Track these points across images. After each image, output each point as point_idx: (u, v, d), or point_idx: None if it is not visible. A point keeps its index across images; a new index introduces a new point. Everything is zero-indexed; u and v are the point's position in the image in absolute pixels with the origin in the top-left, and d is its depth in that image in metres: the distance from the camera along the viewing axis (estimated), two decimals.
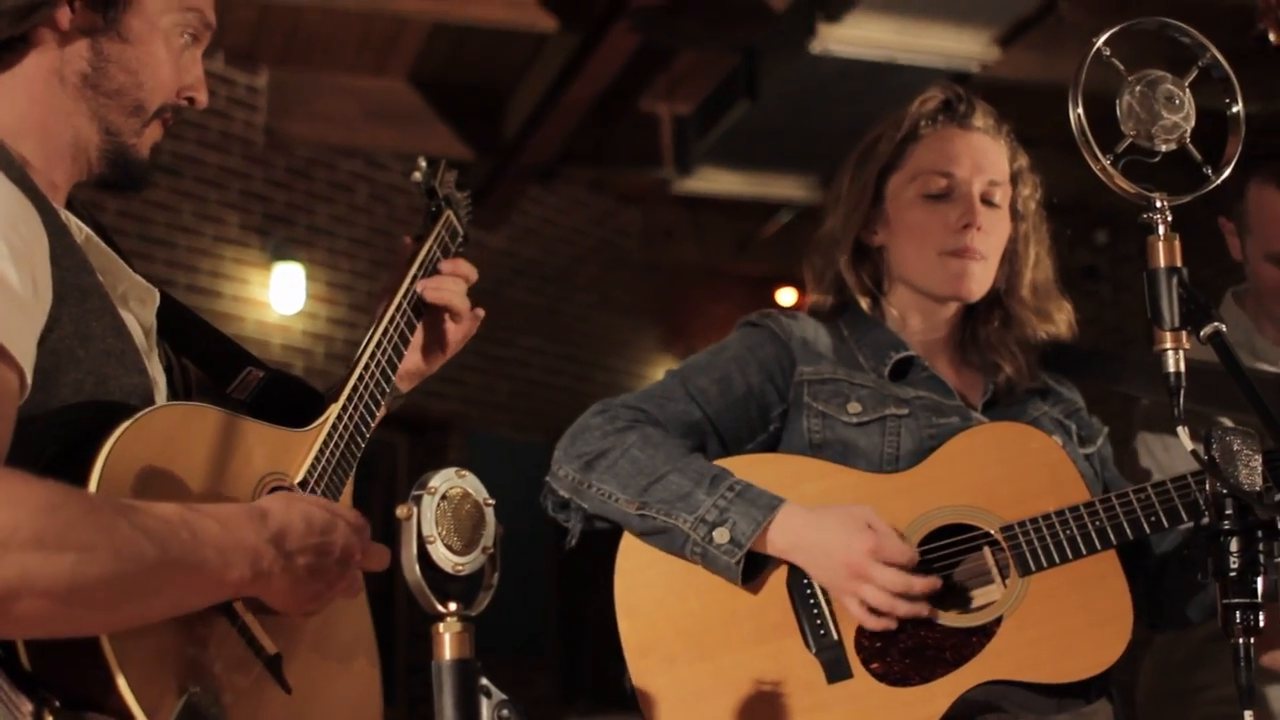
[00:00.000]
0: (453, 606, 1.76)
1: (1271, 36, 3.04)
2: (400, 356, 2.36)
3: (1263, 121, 2.97)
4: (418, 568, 1.74)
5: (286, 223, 8.86)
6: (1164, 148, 2.09)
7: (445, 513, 1.77)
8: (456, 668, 1.75)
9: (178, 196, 8.27)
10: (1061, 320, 2.80)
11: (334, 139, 9.04)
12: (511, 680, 8.99)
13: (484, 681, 1.76)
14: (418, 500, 1.76)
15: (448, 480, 1.79)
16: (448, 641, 1.76)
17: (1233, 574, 2.05)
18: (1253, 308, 3.14)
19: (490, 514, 1.82)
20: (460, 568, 1.77)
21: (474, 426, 9.58)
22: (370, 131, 8.97)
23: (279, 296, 8.67)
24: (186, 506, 1.79)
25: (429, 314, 2.46)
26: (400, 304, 2.39)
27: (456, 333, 2.49)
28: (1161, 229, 2.12)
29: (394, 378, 2.34)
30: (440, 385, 9.19)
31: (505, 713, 1.75)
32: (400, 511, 1.76)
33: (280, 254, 8.70)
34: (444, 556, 1.76)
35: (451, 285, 2.46)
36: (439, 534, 1.76)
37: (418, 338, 2.45)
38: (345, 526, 1.94)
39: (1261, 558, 2.05)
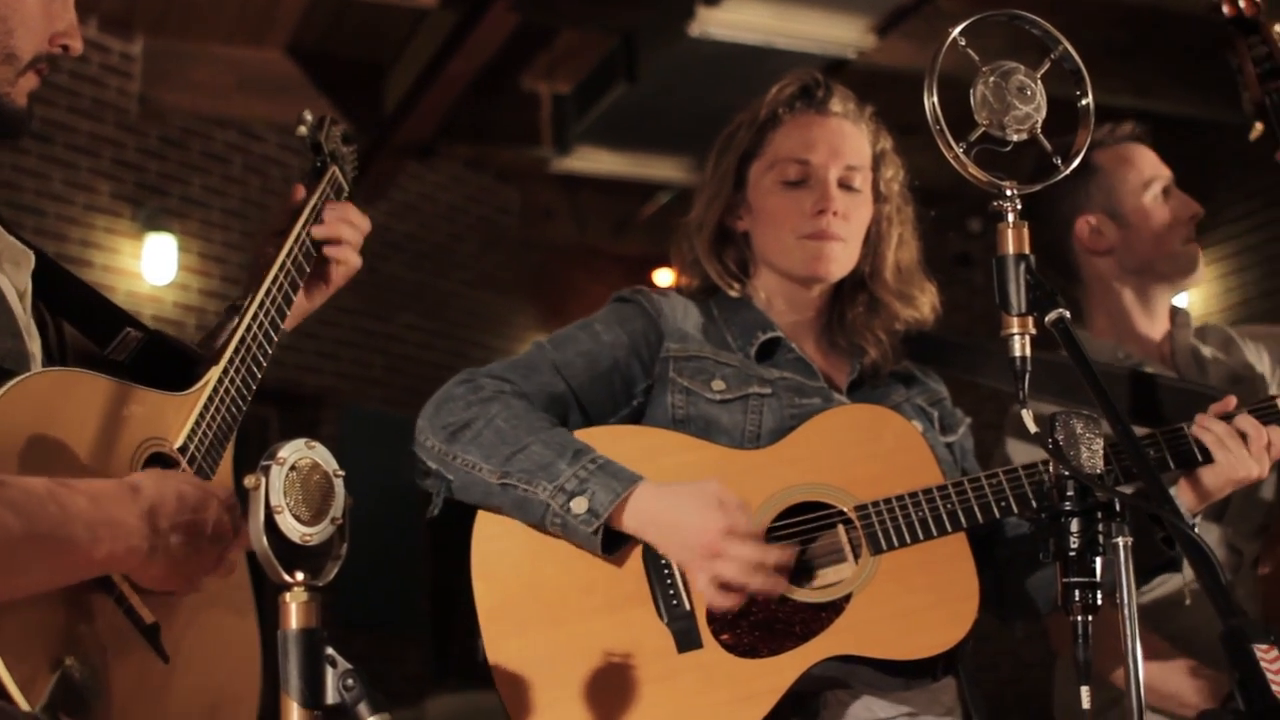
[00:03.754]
0: (300, 576, 1.76)
1: (1225, 9, 3.12)
2: (283, 316, 2.35)
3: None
4: (265, 538, 1.74)
5: (159, 193, 8.74)
6: (1016, 137, 2.14)
7: (294, 483, 1.77)
8: (302, 637, 1.75)
9: (48, 163, 8.12)
10: (925, 303, 2.83)
11: (209, 109, 8.93)
12: (382, 656, 8.97)
13: (330, 651, 1.76)
14: (266, 470, 1.75)
15: (297, 451, 1.79)
16: (294, 611, 1.75)
17: (1073, 554, 2.11)
18: (1107, 308, 3.31)
19: (339, 485, 1.82)
20: (308, 538, 1.77)
21: (347, 401, 9.52)
22: (246, 102, 8.87)
23: (150, 267, 8.56)
24: (55, 481, 1.78)
25: (313, 264, 2.47)
26: (284, 263, 2.38)
27: (340, 270, 2.51)
28: (1011, 216, 2.17)
29: (276, 338, 2.32)
30: (314, 359, 9.13)
31: (349, 682, 1.76)
32: (248, 481, 1.75)
33: (152, 224, 8.58)
34: (291, 527, 1.76)
35: (344, 224, 2.50)
36: (287, 504, 1.75)
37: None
38: (218, 505, 1.94)
39: (1100, 539, 2.11)
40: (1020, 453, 3.02)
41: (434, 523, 2.64)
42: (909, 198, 2.85)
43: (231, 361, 2.21)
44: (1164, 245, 3.27)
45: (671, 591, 2.47)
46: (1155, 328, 3.30)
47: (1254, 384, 3.22)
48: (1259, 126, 3.12)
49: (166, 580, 1.91)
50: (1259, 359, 3.31)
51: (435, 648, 9.82)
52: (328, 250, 2.51)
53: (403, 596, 9.54)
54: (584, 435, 2.56)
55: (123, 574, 1.88)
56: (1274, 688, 1.78)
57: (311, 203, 2.49)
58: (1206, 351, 3.28)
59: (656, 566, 2.49)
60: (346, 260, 2.52)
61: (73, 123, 8.29)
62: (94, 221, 8.41)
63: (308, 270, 2.45)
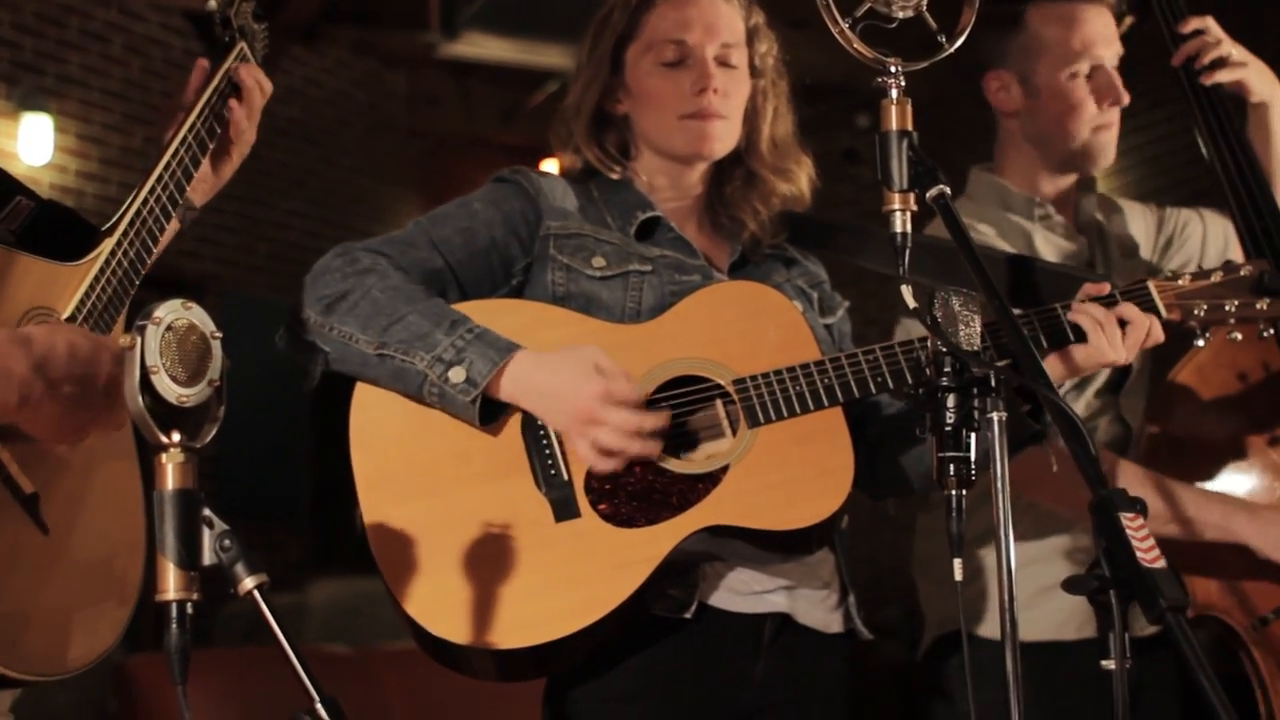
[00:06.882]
0: (176, 437, 1.76)
1: None
2: (182, 190, 2.33)
3: None
4: (140, 398, 1.73)
5: (35, 71, 8.54)
6: (901, 14, 2.15)
7: (170, 344, 1.76)
8: (178, 497, 1.75)
9: None
10: (801, 176, 2.85)
11: None
12: (264, 544, 8.94)
13: (206, 512, 1.76)
14: (141, 330, 1.75)
15: (173, 311, 1.78)
16: (170, 472, 1.76)
17: (948, 428, 2.15)
18: (1016, 161, 3.30)
19: (217, 347, 1.81)
20: (185, 399, 1.76)
21: (229, 287, 9.42)
22: None
23: (26, 147, 8.38)
24: None
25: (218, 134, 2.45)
26: (185, 137, 2.36)
27: (246, 134, 2.50)
28: (895, 93, 2.19)
29: (174, 212, 2.30)
30: (195, 245, 9.01)
31: (226, 543, 1.76)
32: (123, 340, 1.74)
33: (28, 103, 8.41)
34: (168, 387, 1.75)
35: (258, 89, 2.50)
36: (163, 364, 1.75)
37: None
38: (110, 357, 1.91)
39: (976, 414, 2.15)
40: (914, 331, 3.05)
41: (316, 412, 2.64)
42: (783, 72, 2.87)
43: (125, 234, 2.19)
44: (1067, 129, 3.18)
45: (550, 461, 2.49)
46: (1060, 188, 3.27)
47: (1137, 259, 3.28)
48: (1129, 20, 3.18)
49: (55, 431, 1.90)
50: (1142, 224, 3.38)
51: (318, 535, 9.82)
52: (233, 107, 2.50)
53: (285, 486, 9.51)
54: (464, 308, 2.56)
55: (10, 426, 1.86)
56: (1138, 554, 1.83)
57: (218, 77, 2.46)
58: (1100, 216, 3.31)
59: (535, 436, 2.50)
60: (239, 122, 2.50)
61: None
62: None
63: (210, 145, 2.43)
